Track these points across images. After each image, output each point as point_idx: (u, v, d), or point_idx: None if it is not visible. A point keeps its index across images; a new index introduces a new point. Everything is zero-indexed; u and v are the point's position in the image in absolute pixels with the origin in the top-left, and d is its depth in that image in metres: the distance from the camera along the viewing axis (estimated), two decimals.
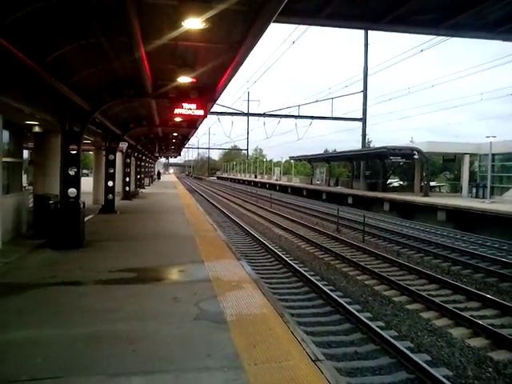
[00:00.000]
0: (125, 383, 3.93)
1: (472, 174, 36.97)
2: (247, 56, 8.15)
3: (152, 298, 6.49)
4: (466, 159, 35.36)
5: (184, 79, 10.02)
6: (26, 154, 19.62)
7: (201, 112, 11.67)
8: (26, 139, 14.49)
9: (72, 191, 10.76)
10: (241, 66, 8.88)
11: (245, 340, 4.89)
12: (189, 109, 11.52)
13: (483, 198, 28.61)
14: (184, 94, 11.41)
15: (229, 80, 10.24)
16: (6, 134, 11.11)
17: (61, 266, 8.47)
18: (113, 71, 10.05)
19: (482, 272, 12.36)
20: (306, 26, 26.21)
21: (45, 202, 11.23)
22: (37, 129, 12.63)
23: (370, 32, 42.29)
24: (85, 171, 66.79)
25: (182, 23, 6.55)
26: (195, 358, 4.44)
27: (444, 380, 5.71)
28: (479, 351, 7.12)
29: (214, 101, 12.39)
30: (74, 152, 10.92)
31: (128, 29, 6.46)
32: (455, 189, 39.90)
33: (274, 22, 7.23)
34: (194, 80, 10.20)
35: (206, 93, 11.52)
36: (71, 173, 10.84)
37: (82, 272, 8.02)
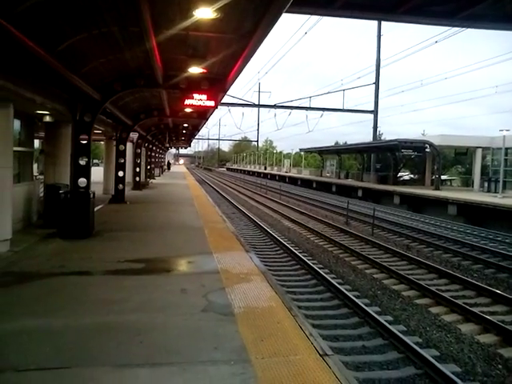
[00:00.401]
0: (131, 375, 3.93)
1: (484, 167, 36.60)
2: (258, 46, 8.06)
3: (160, 289, 6.50)
4: (479, 153, 35.00)
5: (195, 70, 9.98)
6: (37, 143, 19.70)
7: (211, 103, 11.62)
8: (37, 129, 14.53)
9: (82, 181, 10.78)
10: (252, 56, 8.79)
11: (252, 333, 4.87)
12: (199, 100, 11.47)
13: (495, 192, 28.32)
14: (195, 85, 11.35)
15: (240, 71, 10.15)
16: (17, 124, 11.14)
17: (70, 256, 8.51)
18: (124, 61, 10.01)
19: (492, 267, 12.24)
20: (318, 17, 25.92)
21: (55, 191, 11.29)
22: (48, 118, 12.64)
23: (383, 23, 41.87)
24: (95, 161, 67.18)
25: (194, 13, 6.48)
26: (202, 351, 4.43)
27: (452, 376, 5.66)
28: (489, 348, 7.05)
29: (224, 91, 12.31)
30: (85, 142, 10.93)
31: (139, 18, 6.40)
32: (467, 183, 39.55)
33: (286, 12, 7.14)
34: (205, 70, 10.15)
35: (217, 83, 11.44)
36: (81, 163, 10.85)
37: (90, 262, 8.06)
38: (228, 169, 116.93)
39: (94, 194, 11.05)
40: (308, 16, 26.90)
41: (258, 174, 75.28)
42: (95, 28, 7.39)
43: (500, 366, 6.46)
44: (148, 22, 6.48)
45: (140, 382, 3.82)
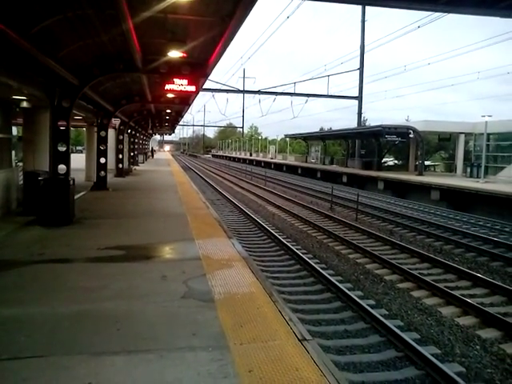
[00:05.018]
0: (108, 362, 3.87)
1: (467, 153, 36.91)
2: (238, 29, 7.93)
3: (140, 277, 6.42)
4: (461, 138, 35.26)
5: (174, 54, 9.77)
6: (15, 131, 19.34)
7: (192, 88, 11.45)
8: (14, 115, 14.23)
9: (61, 168, 10.60)
10: (232, 40, 8.66)
11: (231, 319, 4.84)
12: (180, 85, 11.30)
13: (477, 177, 28.62)
14: (175, 70, 11.17)
15: (220, 55, 10.01)
16: None
17: (49, 243, 8.38)
18: (102, 45, 9.79)
19: (473, 251, 12.38)
20: (300, 1, 25.72)
21: (34, 178, 11.10)
22: (25, 104, 12.39)
23: (367, 8, 41.72)
24: (79, 148, 66.31)
25: None
26: (180, 338, 4.39)
27: (432, 358, 5.72)
28: (468, 329, 7.14)
29: (205, 76, 12.15)
30: (63, 128, 10.71)
31: (114, 0, 6.22)
32: (450, 168, 39.88)
33: None
34: (185, 55, 9.95)
35: (198, 68, 11.27)
36: (61, 149, 10.66)
37: (70, 249, 7.95)
38: (213, 155, 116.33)
39: (73, 180, 10.88)
40: (290, 0, 26.65)
41: (244, 161, 75.11)
42: (70, 10, 7.18)
43: (478, 347, 6.56)
44: (123, 4, 6.30)
45: (116, 369, 3.76)
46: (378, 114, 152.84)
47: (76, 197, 12.09)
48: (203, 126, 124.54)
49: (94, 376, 3.65)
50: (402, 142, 35.80)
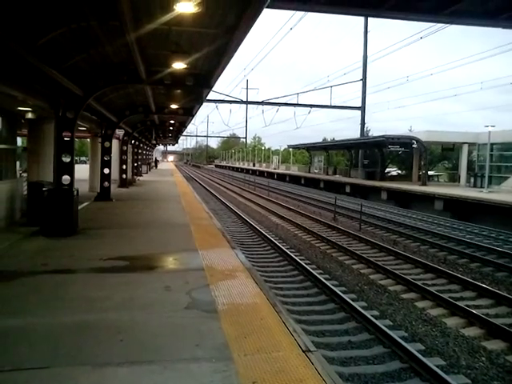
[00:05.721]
0: (111, 374, 3.85)
1: (470, 163, 36.89)
2: (242, 41, 7.97)
3: (143, 287, 6.40)
4: (465, 148, 35.27)
5: (178, 65, 9.83)
6: (19, 141, 19.43)
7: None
8: (19, 126, 14.32)
9: (66, 178, 10.63)
10: (236, 51, 8.70)
11: (235, 330, 4.81)
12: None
13: (481, 187, 28.57)
14: (179, 81, 11.26)
15: (224, 66, 10.07)
16: None
17: (53, 254, 8.38)
18: (106, 56, 9.87)
19: (478, 261, 12.32)
20: (303, 12, 25.91)
21: (38, 189, 11.12)
22: (30, 115, 12.46)
23: (369, 19, 41.96)
24: (83, 158, 66.64)
25: (174, 7, 6.37)
26: (184, 349, 4.36)
27: (437, 369, 5.67)
28: (473, 341, 7.09)
29: (209, 88, 12.22)
30: (68, 139, 10.77)
31: (118, 12, 6.27)
32: (453, 178, 39.82)
33: (270, 7, 7.07)
34: (189, 66, 10.03)
35: (202, 79, 11.35)
36: (65, 160, 10.69)
37: (73, 260, 7.94)
38: (216, 166, 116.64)
39: (77, 191, 10.89)
40: (293, 12, 26.87)
41: (247, 171, 75.26)
42: (74, 22, 7.25)
43: (483, 359, 6.50)
44: (127, 16, 6.36)
45: (119, 380, 3.74)
46: (381, 125, 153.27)
47: (80, 207, 12.10)
48: (206, 136, 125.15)
49: None
50: (405, 152, 35.83)
